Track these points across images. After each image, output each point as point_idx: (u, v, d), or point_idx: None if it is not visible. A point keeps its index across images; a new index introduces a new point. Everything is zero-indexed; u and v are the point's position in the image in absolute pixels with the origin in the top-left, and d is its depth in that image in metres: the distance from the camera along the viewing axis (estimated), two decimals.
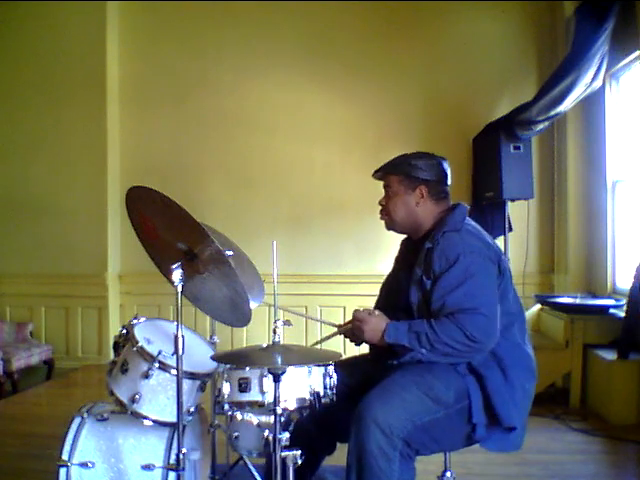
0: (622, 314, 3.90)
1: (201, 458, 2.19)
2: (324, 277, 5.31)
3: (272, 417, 1.77)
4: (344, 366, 2.14)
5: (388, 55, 5.31)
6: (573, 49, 4.23)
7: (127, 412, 1.99)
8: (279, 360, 1.67)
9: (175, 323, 1.85)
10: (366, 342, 2.06)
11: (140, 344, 2.00)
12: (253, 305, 2.41)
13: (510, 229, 4.65)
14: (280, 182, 5.42)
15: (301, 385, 1.85)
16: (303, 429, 2.09)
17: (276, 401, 1.71)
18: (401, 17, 5.30)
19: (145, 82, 5.55)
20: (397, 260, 2.35)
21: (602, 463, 3.31)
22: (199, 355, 2.16)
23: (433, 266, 1.97)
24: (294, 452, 1.73)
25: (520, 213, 4.86)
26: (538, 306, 4.60)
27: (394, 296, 2.17)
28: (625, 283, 4.16)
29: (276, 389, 1.71)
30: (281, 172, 5.41)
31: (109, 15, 5.44)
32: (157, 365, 1.97)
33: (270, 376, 1.74)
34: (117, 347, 2.12)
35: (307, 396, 1.85)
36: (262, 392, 1.84)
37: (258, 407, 1.86)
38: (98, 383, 4.55)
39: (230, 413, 2.14)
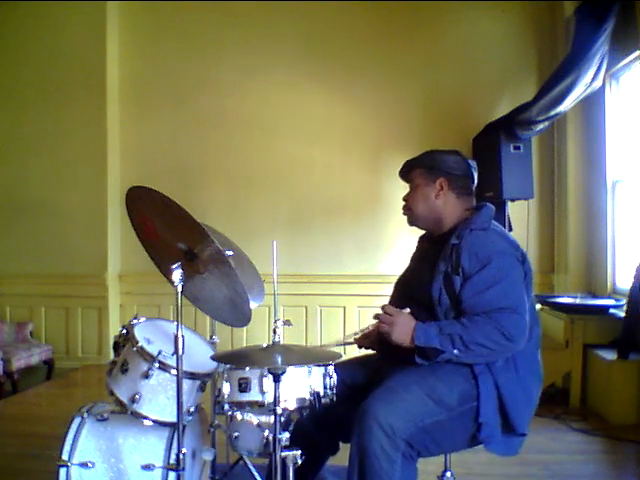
0: (622, 314, 3.90)
1: (213, 458, 2.19)
2: (324, 277, 5.31)
3: (272, 417, 1.77)
4: (345, 366, 2.14)
5: (388, 55, 5.31)
6: (573, 49, 4.23)
7: (127, 412, 1.99)
8: (279, 360, 1.67)
9: (175, 323, 1.85)
10: (392, 341, 1.94)
11: (140, 344, 2.00)
12: (253, 305, 2.41)
13: (510, 229, 4.65)
14: (280, 182, 5.42)
15: (301, 385, 1.85)
16: (303, 429, 2.09)
17: (276, 401, 1.71)
18: (401, 17, 5.30)
19: (145, 82, 5.55)
20: (414, 257, 2.32)
21: (602, 463, 3.31)
22: (199, 355, 2.16)
23: (462, 263, 1.94)
24: (294, 452, 1.73)
25: (520, 213, 4.86)
26: (538, 306, 4.59)
27: (411, 292, 2.14)
28: (625, 283, 4.16)
29: (276, 389, 1.70)
30: (281, 172, 5.41)
31: (109, 15, 5.44)
32: (157, 365, 1.97)
33: (270, 376, 1.74)
34: (117, 347, 2.12)
35: (307, 396, 1.85)
36: (262, 392, 1.84)
37: (258, 407, 1.86)
38: (98, 383, 4.55)
39: (230, 413, 2.14)
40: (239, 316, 2.09)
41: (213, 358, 1.89)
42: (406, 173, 2.23)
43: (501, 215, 4.60)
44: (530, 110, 4.28)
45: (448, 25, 5.32)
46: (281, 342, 1.78)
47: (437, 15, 5.29)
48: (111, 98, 5.47)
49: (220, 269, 1.93)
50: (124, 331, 2.10)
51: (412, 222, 2.21)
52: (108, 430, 2.09)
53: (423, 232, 2.33)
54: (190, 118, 5.47)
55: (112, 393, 2.02)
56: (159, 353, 1.98)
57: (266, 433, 2.04)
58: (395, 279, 2.32)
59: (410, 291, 2.15)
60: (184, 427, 1.93)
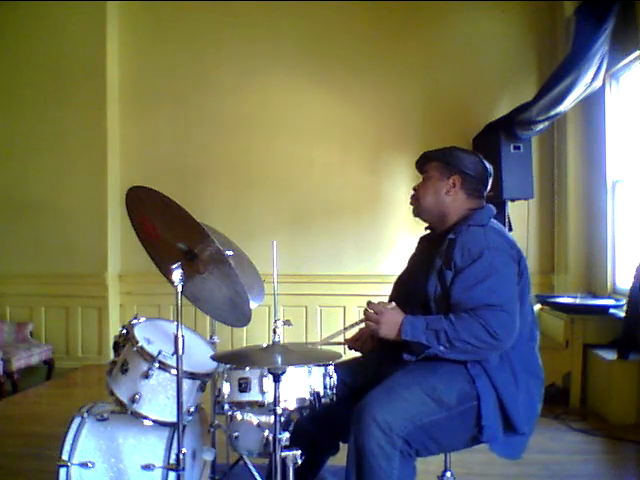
0: (622, 314, 3.90)
1: (213, 458, 2.19)
2: (324, 277, 5.31)
3: (272, 417, 1.77)
4: (345, 366, 2.14)
5: (388, 55, 5.31)
6: (573, 49, 4.23)
7: (127, 412, 1.99)
8: (279, 360, 1.67)
9: (175, 323, 1.85)
10: (380, 337, 1.97)
11: (140, 344, 2.00)
12: (253, 305, 2.41)
13: (510, 229, 4.65)
14: (280, 182, 5.42)
15: (301, 385, 1.85)
16: (303, 429, 2.09)
17: (276, 401, 1.71)
18: (401, 17, 5.30)
19: (145, 82, 5.55)
20: (413, 258, 2.31)
21: (602, 463, 3.31)
22: (199, 355, 2.16)
23: (454, 258, 1.94)
24: (294, 452, 1.73)
25: (520, 213, 4.86)
26: (538, 306, 4.60)
27: (409, 289, 2.14)
28: (625, 283, 4.16)
29: (276, 389, 1.70)
30: (281, 172, 5.41)
31: (109, 15, 5.44)
32: (157, 365, 1.97)
33: (270, 376, 1.74)
34: (117, 347, 2.12)
35: (307, 396, 1.85)
36: (262, 392, 1.84)
37: (258, 407, 1.86)
38: (98, 383, 4.55)
39: (230, 413, 2.14)
40: (239, 316, 2.09)
41: (213, 358, 1.89)
42: (422, 164, 2.21)
43: (501, 215, 4.60)
44: (530, 110, 4.28)
45: (448, 25, 5.33)
46: (281, 342, 1.78)
47: (437, 15, 5.29)
48: (111, 98, 5.47)
49: (220, 269, 1.93)
50: (124, 331, 2.10)
51: (417, 213, 2.20)
52: (108, 430, 2.09)
53: (424, 233, 2.32)
54: (190, 118, 5.47)
55: (112, 393, 2.02)
56: (159, 353, 1.98)
57: (266, 433, 2.03)
58: (395, 279, 2.32)
59: (407, 290, 2.16)
60: (184, 427, 1.93)
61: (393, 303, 2.00)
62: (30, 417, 3.91)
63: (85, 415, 2.11)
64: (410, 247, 2.39)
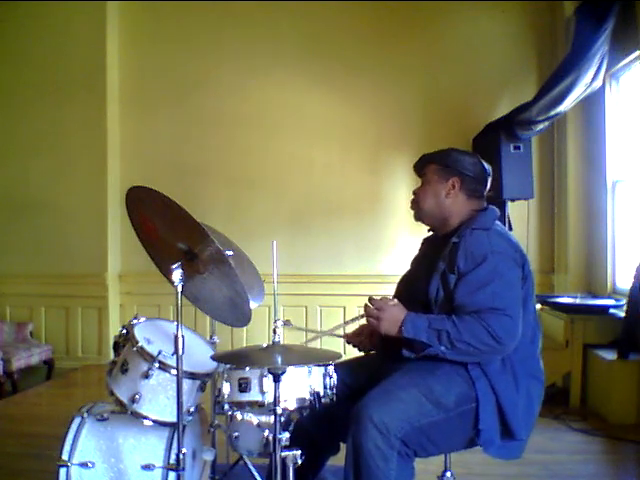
0: (622, 314, 3.90)
1: (213, 458, 2.20)
2: (324, 277, 5.31)
3: (272, 417, 1.77)
4: (345, 366, 2.14)
5: (388, 55, 5.31)
6: (573, 49, 4.23)
7: (127, 412, 1.99)
8: (279, 360, 1.67)
9: (175, 323, 1.85)
10: (380, 333, 1.96)
11: (140, 344, 2.00)
12: (253, 305, 2.41)
13: (510, 229, 4.65)
14: (280, 182, 5.42)
15: (301, 385, 1.85)
16: (303, 429, 2.09)
17: (276, 401, 1.71)
18: (401, 17, 5.30)
19: (145, 82, 5.55)
20: (417, 259, 2.31)
21: (602, 463, 3.31)
22: (199, 355, 2.16)
23: (457, 262, 1.93)
24: (294, 452, 1.73)
25: (520, 213, 4.86)
26: (538, 306, 4.59)
27: (411, 291, 2.13)
28: (625, 283, 4.16)
29: (276, 389, 1.71)
30: (281, 172, 5.41)
31: (109, 15, 5.44)
32: (157, 365, 1.97)
33: (270, 376, 1.74)
34: (117, 347, 2.12)
35: (307, 396, 1.85)
36: (262, 392, 1.84)
37: (258, 407, 1.86)
38: (98, 383, 4.55)
39: (230, 413, 2.15)
40: (239, 316, 2.09)
41: (213, 358, 1.89)
42: (421, 167, 2.20)
43: (501, 215, 4.60)
44: (530, 110, 4.28)
45: (448, 25, 5.32)
46: (281, 342, 1.78)
47: (437, 15, 5.29)
48: (111, 98, 5.47)
49: (220, 269, 1.93)
50: (124, 331, 2.10)
51: (418, 217, 2.19)
52: (108, 430, 2.09)
53: (426, 235, 2.32)
54: (190, 118, 5.47)
55: (112, 393, 2.02)
56: (159, 353, 1.98)
57: (266, 433, 2.04)
58: (395, 279, 2.32)
59: (409, 291, 2.15)
60: (184, 427, 1.93)
61: (395, 300, 1.99)
62: (30, 417, 3.91)
63: (85, 415, 2.11)
64: (410, 247, 2.39)
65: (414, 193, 2.20)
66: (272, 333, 1.79)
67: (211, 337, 2.60)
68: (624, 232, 4.52)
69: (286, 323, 1.88)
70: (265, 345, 1.79)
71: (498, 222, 2.07)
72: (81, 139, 5.41)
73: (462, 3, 5.18)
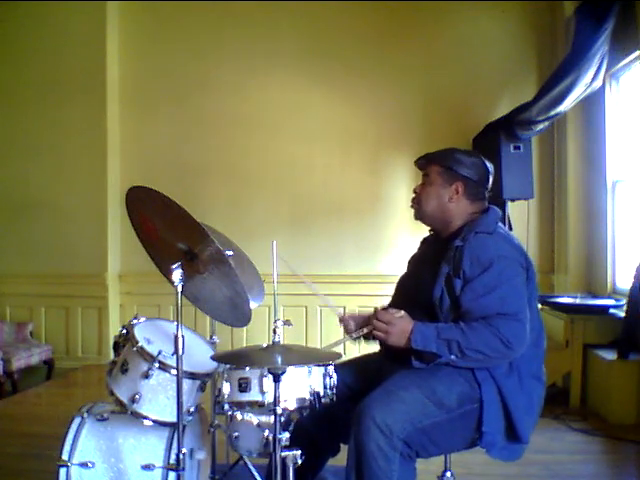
0: (622, 314, 3.90)
1: (206, 458, 2.19)
2: (324, 277, 5.30)
3: (272, 417, 1.77)
4: (345, 366, 2.14)
5: (388, 55, 5.31)
6: (573, 49, 4.23)
7: (127, 412, 1.99)
8: (279, 360, 1.67)
9: (175, 323, 1.85)
10: (388, 345, 1.95)
11: (140, 344, 2.00)
12: (253, 305, 2.41)
13: (510, 229, 4.65)
14: (280, 182, 5.42)
15: (301, 385, 1.85)
16: (303, 429, 2.09)
17: (276, 401, 1.71)
18: (401, 17, 5.30)
19: (145, 82, 5.55)
20: (415, 258, 2.29)
21: (602, 463, 3.31)
22: (199, 355, 2.16)
23: (463, 266, 1.92)
24: (294, 452, 1.73)
25: (520, 213, 4.86)
26: (538, 306, 4.60)
27: (413, 293, 2.11)
28: (625, 283, 4.16)
29: (276, 389, 1.70)
30: (281, 172, 5.41)
31: (109, 15, 5.44)
32: (157, 365, 1.97)
33: (270, 376, 1.74)
34: (117, 347, 2.12)
35: (307, 396, 1.85)
36: (262, 392, 1.84)
37: (258, 407, 1.86)
38: (98, 383, 4.55)
39: (230, 413, 2.14)
40: (239, 316, 2.09)
41: (213, 358, 1.89)
42: (423, 165, 2.17)
43: (501, 215, 4.60)
44: (530, 110, 4.28)
45: (448, 25, 5.32)
46: (281, 342, 1.78)
47: (437, 15, 5.29)
48: (111, 98, 5.47)
49: (220, 269, 1.93)
50: (124, 331, 2.10)
51: (418, 217, 2.18)
52: (108, 430, 2.09)
53: (425, 235, 2.31)
54: (190, 118, 5.47)
55: (112, 393, 2.02)
56: (159, 353, 1.98)
57: (266, 433, 2.03)
58: (395, 279, 2.31)
59: (411, 293, 2.13)
60: (184, 427, 1.93)
61: (402, 312, 1.95)
62: (30, 417, 3.91)
63: (85, 415, 2.11)
64: (410, 247, 2.38)
65: (415, 192, 2.18)
66: (272, 333, 1.79)
67: (211, 337, 2.59)
68: (624, 232, 4.52)
69: (286, 323, 1.88)
70: (265, 345, 1.79)
71: (500, 224, 2.06)
72: (81, 139, 5.41)
73: (462, 3, 5.18)
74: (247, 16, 5.41)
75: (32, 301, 5.46)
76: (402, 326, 1.91)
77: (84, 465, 2.02)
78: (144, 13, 5.56)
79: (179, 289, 1.84)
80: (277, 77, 5.40)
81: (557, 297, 4.54)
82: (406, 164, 5.26)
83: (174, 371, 1.93)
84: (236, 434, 2.23)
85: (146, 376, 1.97)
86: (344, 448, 2.09)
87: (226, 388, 1.88)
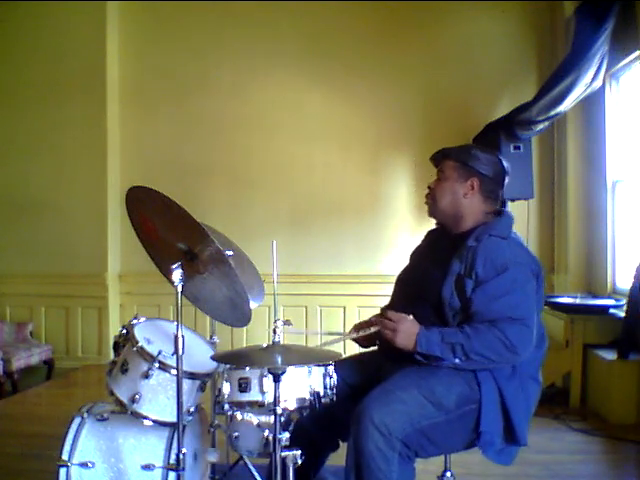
0: (622, 314, 3.90)
1: (216, 459, 2.20)
2: (324, 277, 5.31)
3: (272, 417, 1.77)
4: (345, 366, 2.14)
5: (388, 55, 5.30)
6: (573, 49, 4.23)
7: (127, 412, 1.99)
8: (279, 360, 1.67)
9: (175, 323, 1.85)
10: (395, 345, 1.93)
11: (140, 344, 2.00)
12: (253, 305, 2.41)
13: None
14: (280, 182, 5.42)
15: (301, 385, 1.85)
16: (303, 429, 2.09)
17: (276, 401, 1.71)
18: (401, 17, 5.30)
19: (145, 82, 5.55)
20: (420, 251, 2.28)
21: (602, 463, 3.31)
22: (199, 355, 2.16)
23: (476, 267, 1.92)
24: (294, 452, 1.73)
25: (520, 213, 4.84)
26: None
27: (419, 290, 2.09)
28: (625, 283, 4.16)
29: (276, 389, 1.71)
30: (281, 172, 5.41)
31: (109, 15, 5.44)
32: (157, 365, 1.98)
33: (270, 376, 1.74)
34: (117, 347, 2.12)
35: (307, 396, 1.85)
36: (262, 392, 1.84)
37: (258, 407, 1.86)
38: (98, 383, 4.55)
39: (230, 413, 2.14)
40: (239, 316, 2.09)
41: (213, 358, 1.89)
42: (439, 160, 2.16)
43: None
44: (530, 110, 4.28)
45: (448, 25, 5.32)
46: (281, 342, 1.78)
47: (437, 15, 5.28)
48: (111, 98, 5.47)
49: (220, 269, 1.93)
50: (124, 331, 2.10)
51: (431, 213, 2.17)
52: (108, 430, 2.09)
53: (431, 228, 2.30)
54: (190, 118, 5.47)
55: (112, 393, 2.02)
56: (159, 353, 1.98)
57: (266, 433, 2.04)
58: (397, 277, 2.29)
59: (418, 289, 2.10)
60: (184, 427, 1.93)
61: (410, 316, 1.95)
62: (30, 417, 3.91)
63: (85, 415, 2.11)
64: (410, 247, 2.38)
65: (429, 187, 2.16)
66: (272, 333, 1.79)
67: (211, 337, 2.60)
68: (624, 232, 4.52)
69: (286, 323, 1.88)
70: (265, 345, 1.79)
71: (514, 230, 2.06)
72: (81, 139, 5.40)
73: (462, 3, 5.18)
74: (247, 16, 5.41)
75: (32, 301, 5.46)
76: (410, 327, 1.91)
77: (84, 465, 2.02)
78: (144, 13, 5.56)
79: (179, 289, 1.84)
80: (277, 77, 5.40)
81: (557, 297, 4.54)
82: (406, 164, 5.27)
83: (174, 371, 1.93)
84: (236, 434, 2.23)
85: (146, 376, 1.97)
86: (344, 446, 2.10)
87: (226, 388, 1.88)
